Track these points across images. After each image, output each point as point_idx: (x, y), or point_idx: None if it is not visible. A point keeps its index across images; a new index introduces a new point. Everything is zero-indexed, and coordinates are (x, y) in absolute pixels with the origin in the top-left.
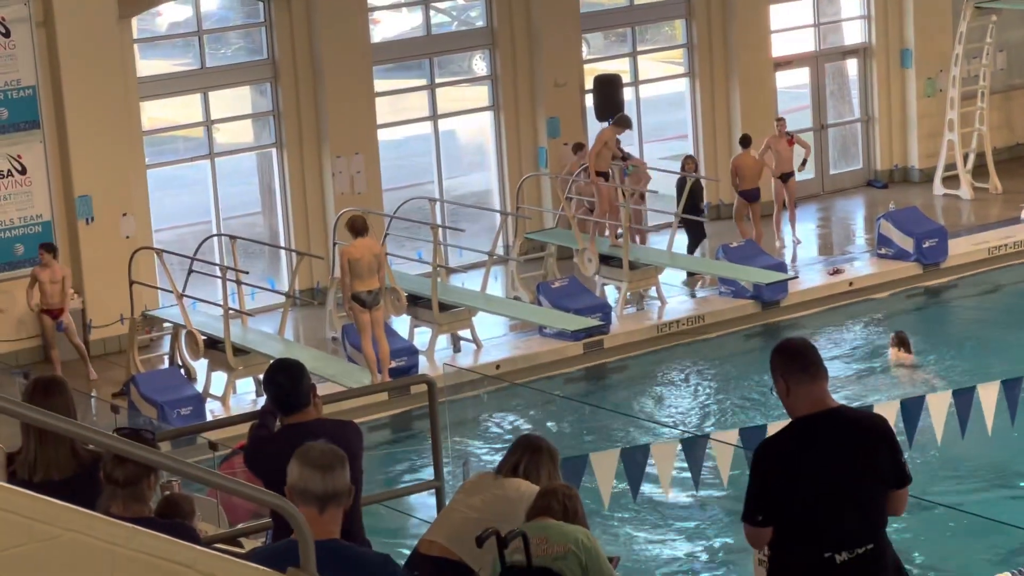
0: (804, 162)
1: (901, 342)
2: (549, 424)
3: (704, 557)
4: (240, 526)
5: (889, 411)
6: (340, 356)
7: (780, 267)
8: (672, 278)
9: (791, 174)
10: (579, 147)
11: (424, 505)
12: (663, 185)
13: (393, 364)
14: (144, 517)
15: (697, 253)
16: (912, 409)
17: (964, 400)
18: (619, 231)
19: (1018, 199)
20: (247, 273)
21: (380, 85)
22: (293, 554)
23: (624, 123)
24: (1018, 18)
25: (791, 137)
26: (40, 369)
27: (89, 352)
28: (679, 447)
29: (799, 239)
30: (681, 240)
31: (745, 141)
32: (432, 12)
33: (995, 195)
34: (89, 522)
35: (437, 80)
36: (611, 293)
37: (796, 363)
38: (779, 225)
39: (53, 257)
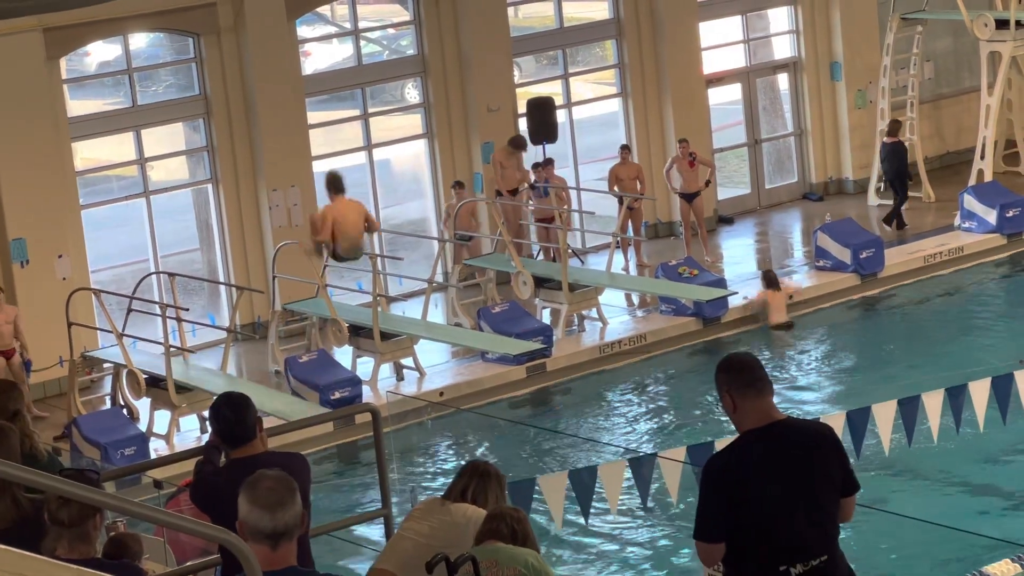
0: (708, 182)
1: (770, 281)
2: (495, 449)
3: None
4: (188, 563)
5: (836, 422)
6: (284, 390)
7: (720, 283)
8: (613, 298)
9: (697, 194)
10: (459, 184)
11: (373, 534)
12: (600, 206)
13: (337, 395)
14: (90, 558)
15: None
16: (858, 420)
17: (910, 409)
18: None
19: (951, 207)
20: (187, 310)
21: (313, 117)
22: None
23: (517, 144)
24: (944, 28)
25: (693, 159)
26: None
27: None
28: (627, 467)
29: (710, 259)
30: (619, 260)
31: (625, 150)
32: (363, 42)
33: (928, 203)
34: (33, 564)
35: (370, 110)
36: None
37: (741, 378)
38: (688, 245)
39: (4, 300)
